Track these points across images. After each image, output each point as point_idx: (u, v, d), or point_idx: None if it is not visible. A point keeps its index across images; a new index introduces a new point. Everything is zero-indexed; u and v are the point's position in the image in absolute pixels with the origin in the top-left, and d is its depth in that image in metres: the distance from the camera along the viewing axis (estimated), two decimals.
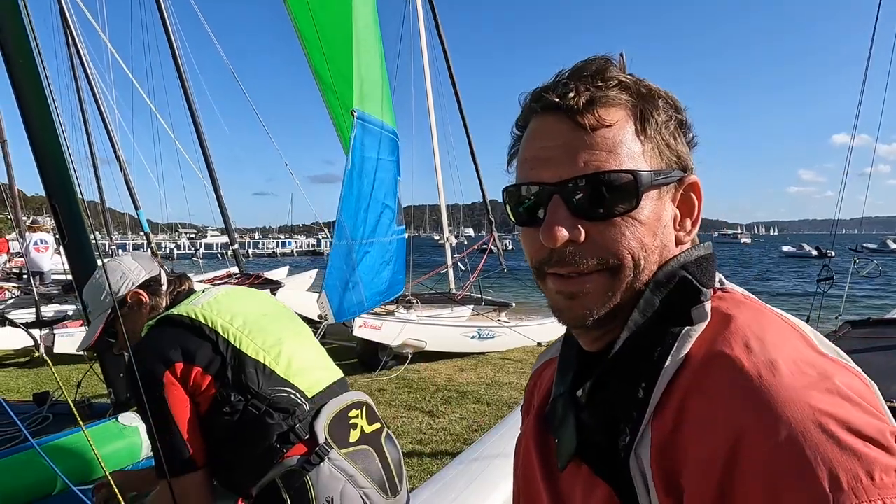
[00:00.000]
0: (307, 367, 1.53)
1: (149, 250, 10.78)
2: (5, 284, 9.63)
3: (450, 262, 11.35)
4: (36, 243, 10.03)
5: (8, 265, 12.65)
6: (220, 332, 1.44)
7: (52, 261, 10.13)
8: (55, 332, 7.14)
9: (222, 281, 10.22)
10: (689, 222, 0.66)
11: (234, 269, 11.86)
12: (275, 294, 8.01)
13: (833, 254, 6.96)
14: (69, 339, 6.96)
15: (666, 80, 0.65)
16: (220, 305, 1.51)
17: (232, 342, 1.43)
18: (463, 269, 11.50)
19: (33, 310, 7.22)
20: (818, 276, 6.03)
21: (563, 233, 0.59)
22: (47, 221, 11.58)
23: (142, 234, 11.56)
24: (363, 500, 1.40)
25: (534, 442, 0.74)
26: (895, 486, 0.43)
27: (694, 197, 0.66)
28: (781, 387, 0.49)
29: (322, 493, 1.36)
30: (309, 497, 1.35)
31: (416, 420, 5.46)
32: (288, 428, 1.40)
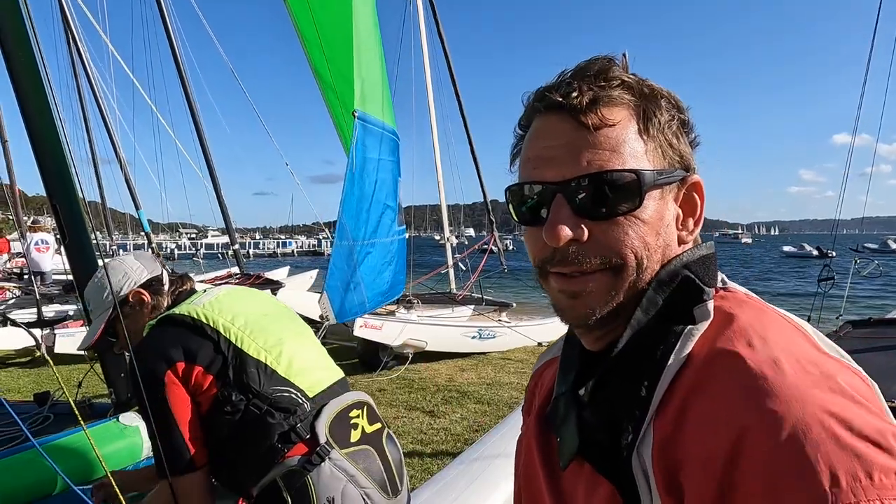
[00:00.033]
0: (308, 367, 1.53)
1: (150, 250, 10.78)
2: (6, 284, 9.63)
3: (450, 262, 11.35)
4: (37, 243, 10.05)
5: (8, 265, 12.65)
6: (222, 331, 1.44)
7: (53, 261, 10.14)
8: (56, 332, 7.15)
9: (223, 281, 10.22)
10: (691, 222, 0.66)
11: (235, 270, 11.85)
12: (275, 294, 8.00)
13: (834, 254, 6.96)
14: (70, 339, 6.96)
15: (666, 80, 0.65)
16: (222, 305, 1.51)
17: (233, 342, 1.43)
18: (464, 269, 11.50)
19: (34, 310, 7.22)
20: (819, 276, 6.02)
21: (566, 232, 0.59)
22: (48, 221, 11.59)
23: (142, 234, 11.55)
24: (364, 499, 1.40)
25: (536, 441, 0.74)
26: (893, 488, 0.43)
27: (696, 196, 0.66)
28: (784, 385, 0.49)
29: (323, 493, 1.36)
30: (310, 497, 1.35)
31: (417, 420, 5.46)
32: (289, 427, 1.40)
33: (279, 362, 1.46)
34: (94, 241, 2.42)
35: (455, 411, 5.72)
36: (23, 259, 12.65)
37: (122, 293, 1.56)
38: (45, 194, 2.29)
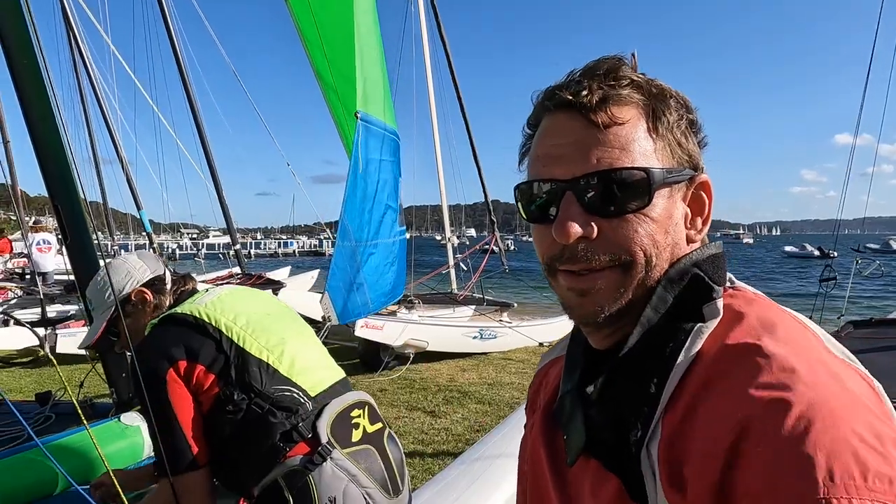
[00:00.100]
0: (310, 367, 1.53)
1: (151, 250, 10.79)
2: (8, 285, 9.64)
3: (451, 262, 11.35)
4: (39, 243, 10.06)
5: (10, 265, 12.67)
6: (224, 330, 1.44)
7: (55, 261, 10.15)
8: (57, 331, 7.16)
9: (224, 281, 10.23)
10: (699, 221, 0.66)
11: (236, 270, 11.85)
12: (277, 294, 8.01)
13: (836, 254, 6.95)
14: (71, 339, 6.97)
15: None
16: (224, 304, 1.51)
17: (235, 341, 1.43)
18: (465, 269, 11.50)
19: (36, 310, 7.23)
20: (820, 277, 6.02)
21: (575, 229, 0.59)
22: (50, 222, 11.61)
23: (144, 234, 11.55)
24: (365, 499, 1.40)
25: (542, 438, 0.75)
26: (885, 493, 0.44)
27: (704, 196, 0.66)
28: (791, 380, 0.50)
29: (325, 493, 1.36)
30: (311, 496, 1.35)
31: (418, 420, 5.46)
32: (291, 427, 1.40)
33: (281, 362, 1.46)
34: (96, 242, 2.42)
35: (456, 411, 5.72)
36: (24, 259, 12.67)
37: (124, 292, 1.56)
38: (46, 195, 2.29)
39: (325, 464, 1.38)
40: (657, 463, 0.54)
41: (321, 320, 4.53)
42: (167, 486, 1.36)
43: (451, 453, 4.50)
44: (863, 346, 3.06)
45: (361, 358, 7.87)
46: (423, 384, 6.82)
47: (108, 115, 11.29)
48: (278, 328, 1.55)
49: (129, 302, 1.57)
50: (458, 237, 14.00)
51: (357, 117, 4.40)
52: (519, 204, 0.67)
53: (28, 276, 10.86)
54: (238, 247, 11.73)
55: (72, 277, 2.55)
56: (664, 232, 0.62)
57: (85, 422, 1.59)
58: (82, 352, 2.44)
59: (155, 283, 1.61)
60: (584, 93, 0.60)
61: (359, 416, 1.54)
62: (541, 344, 8.69)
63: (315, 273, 15.37)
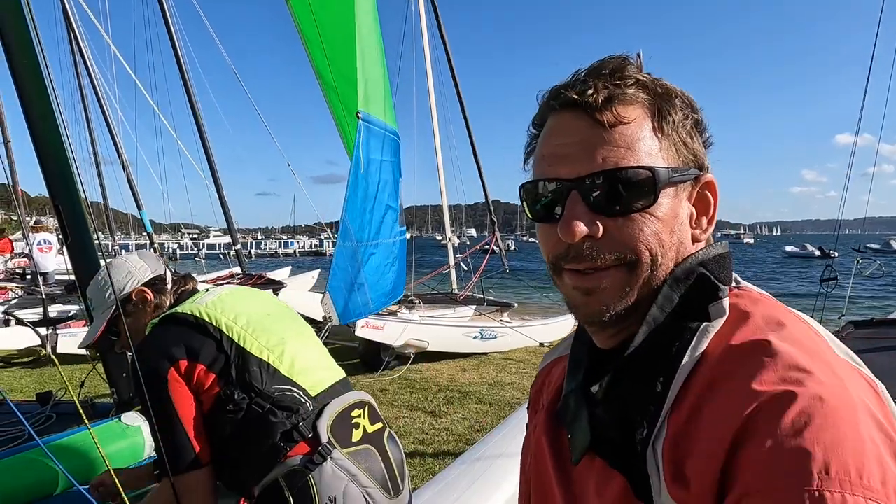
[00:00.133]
0: (310, 367, 1.53)
1: (152, 250, 10.80)
2: (8, 285, 9.64)
3: (452, 262, 11.35)
4: (39, 243, 10.06)
5: (10, 265, 12.68)
6: (224, 330, 1.44)
7: (56, 261, 10.16)
8: (58, 332, 7.16)
9: (225, 281, 10.23)
10: (704, 220, 0.66)
11: (237, 270, 11.86)
12: (277, 294, 8.01)
13: (836, 254, 6.94)
14: (72, 340, 6.97)
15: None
16: (224, 304, 1.52)
17: (236, 340, 1.43)
18: (465, 269, 11.50)
19: (36, 310, 7.23)
20: (821, 277, 6.01)
21: (581, 228, 0.59)
22: (51, 222, 11.61)
23: (145, 234, 11.56)
24: (366, 499, 1.40)
25: (546, 437, 0.75)
26: (878, 493, 0.44)
27: (710, 195, 0.66)
28: (796, 378, 0.50)
29: (325, 493, 1.36)
30: (312, 496, 1.35)
31: (419, 420, 5.46)
32: (291, 426, 1.40)
33: (281, 361, 1.47)
34: (97, 242, 2.42)
35: (456, 411, 5.72)
36: (25, 259, 12.67)
37: (125, 291, 1.57)
38: (47, 194, 2.29)
39: (325, 464, 1.38)
40: (662, 461, 0.54)
41: (322, 320, 4.53)
42: (169, 486, 1.36)
43: (451, 453, 4.50)
44: (864, 346, 3.05)
45: (362, 358, 7.87)
46: (423, 384, 6.82)
47: (108, 115, 11.30)
48: (278, 328, 1.55)
49: (129, 301, 1.57)
50: (458, 237, 14.00)
51: (358, 117, 4.40)
52: (524, 203, 0.67)
53: (29, 276, 10.86)
54: (238, 247, 11.73)
55: (72, 277, 2.55)
56: (670, 231, 0.62)
57: (86, 421, 1.59)
58: (83, 352, 2.44)
59: (156, 283, 1.61)
60: (590, 92, 0.60)
61: (359, 415, 1.54)
62: (541, 344, 8.69)
63: (315, 273, 15.37)
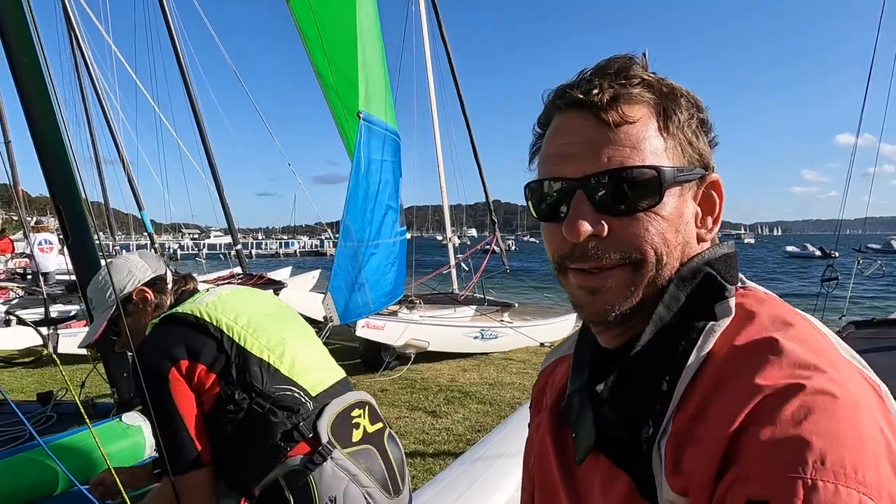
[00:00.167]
0: (311, 367, 1.53)
1: (153, 251, 10.80)
2: (9, 285, 9.65)
3: (452, 262, 11.35)
4: (40, 243, 10.07)
5: (10, 264, 12.68)
6: (225, 330, 1.44)
7: (57, 261, 10.16)
8: (59, 331, 7.16)
9: (225, 281, 10.23)
10: (710, 220, 0.66)
11: (238, 270, 11.86)
12: (278, 294, 8.01)
13: (837, 254, 6.94)
14: (73, 340, 6.98)
15: None
16: (225, 304, 1.52)
17: (236, 340, 1.44)
18: (466, 269, 11.49)
19: (37, 310, 7.23)
20: (822, 277, 6.01)
21: (586, 227, 0.59)
22: (51, 222, 11.62)
23: (145, 234, 11.55)
24: (366, 499, 1.40)
25: (550, 436, 0.75)
26: (870, 489, 0.44)
27: (715, 195, 0.66)
28: (801, 375, 0.50)
29: (325, 493, 1.36)
30: (312, 496, 1.35)
31: (419, 420, 5.46)
32: (292, 426, 1.40)
33: (282, 361, 1.47)
34: (97, 242, 2.42)
35: (457, 411, 5.72)
36: (26, 259, 12.67)
37: (125, 291, 1.57)
38: (48, 195, 2.29)
39: (325, 463, 1.38)
40: (665, 458, 0.54)
41: (322, 320, 4.53)
42: (169, 485, 1.36)
43: (451, 453, 4.50)
44: (864, 346, 3.05)
45: (363, 358, 7.88)
46: (424, 384, 6.82)
47: (109, 115, 11.30)
48: (279, 328, 1.55)
49: (130, 301, 1.57)
50: (459, 237, 14.00)
51: (359, 117, 4.40)
52: (529, 202, 0.67)
53: (30, 276, 10.86)
54: (239, 247, 11.74)
55: (73, 277, 2.55)
56: (675, 231, 0.62)
57: (87, 421, 1.59)
58: (84, 352, 2.44)
59: (156, 283, 1.61)
60: (595, 91, 0.60)
61: (359, 415, 1.54)
62: (542, 344, 8.69)
63: (316, 273, 15.38)
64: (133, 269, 1.60)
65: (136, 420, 2.22)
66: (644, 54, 0.65)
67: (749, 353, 0.54)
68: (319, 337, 1.75)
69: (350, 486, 1.39)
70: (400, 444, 1.63)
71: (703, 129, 0.65)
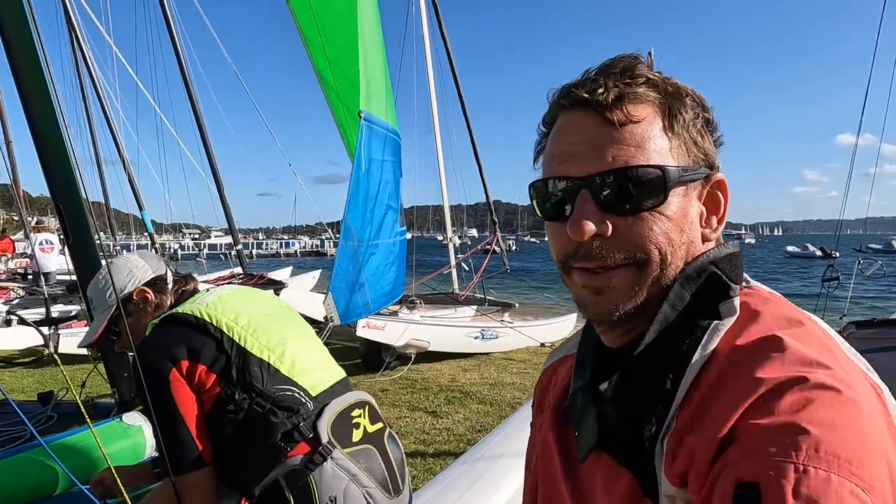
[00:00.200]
0: (311, 367, 1.53)
1: (153, 251, 10.80)
2: (10, 285, 9.66)
3: (453, 262, 11.35)
4: (41, 244, 10.08)
5: (10, 264, 12.69)
6: (225, 330, 1.44)
7: (58, 261, 10.17)
8: (60, 332, 7.16)
9: (226, 281, 10.23)
10: (715, 220, 0.66)
11: (238, 270, 11.86)
12: (278, 294, 8.01)
13: (838, 254, 6.93)
14: (74, 340, 6.98)
15: None
16: (225, 304, 1.52)
17: (237, 340, 1.44)
18: (466, 269, 11.50)
19: (38, 310, 7.24)
20: (823, 277, 6.00)
21: (590, 226, 0.59)
22: (52, 222, 11.62)
23: (146, 234, 11.55)
24: (366, 499, 1.40)
25: (552, 435, 0.75)
26: (862, 480, 0.44)
27: (720, 195, 0.66)
28: (804, 370, 0.50)
29: (325, 493, 1.36)
30: (312, 496, 1.35)
31: (420, 420, 5.46)
32: (292, 427, 1.40)
33: (282, 361, 1.47)
34: (98, 242, 2.43)
35: (458, 411, 5.72)
36: (26, 259, 12.68)
37: (125, 291, 1.56)
38: (48, 195, 2.29)
39: (325, 463, 1.38)
40: (665, 454, 0.54)
41: (323, 320, 4.54)
42: (170, 485, 1.36)
43: (452, 453, 4.50)
44: (865, 346, 3.05)
45: (363, 358, 7.88)
46: (424, 384, 6.82)
47: (109, 116, 11.30)
48: (279, 328, 1.55)
49: (130, 301, 1.57)
50: (459, 237, 14.00)
51: (360, 117, 4.40)
52: (534, 201, 0.67)
53: (31, 277, 10.87)
54: (240, 247, 11.74)
55: (74, 277, 2.56)
56: (679, 230, 0.62)
57: (88, 421, 1.59)
58: (84, 352, 2.44)
59: (156, 283, 1.61)
60: (600, 91, 0.60)
61: (359, 415, 1.54)
62: (542, 344, 8.69)
63: (317, 273, 15.38)
64: (133, 268, 1.60)
65: (136, 420, 2.22)
66: (650, 53, 0.65)
67: (752, 351, 0.54)
68: (320, 337, 1.75)
69: (350, 486, 1.39)
70: (400, 444, 1.63)
71: (708, 128, 0.65)
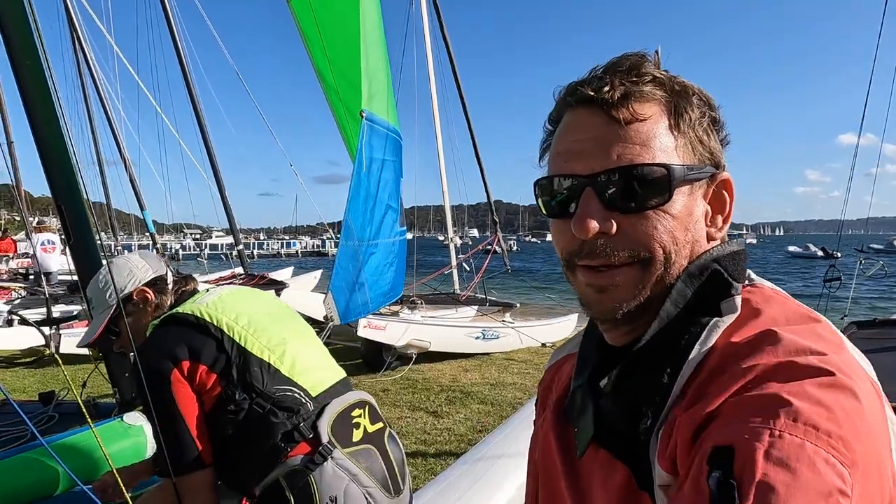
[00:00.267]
0: (311, 367, 1.53)
1: (154, 251, 10.80)
2: (12, 285, 9.67)
3: (454, 262, 11.34)
4: (43, 244, 10.09)
5: (11, 264, 12.70)
6: (226, 330, 1.44)
7: (59, 261, 10.18)
8: (61, 332, 7.17)
9: (227, 281, 10.24)
10: (720, 219, 0.66)
11: (239, 270, 11.87)
12: (279, 294, 8.02)
13: (839, 254, 6.92)
14: (75, 340, 6.98)
15: None
16: (225, 304, 1.52)
17: (237, 341, 1.44)
18: (467, 269, 11.49)
19: (39, 310, 7.24)
20: (825, 277, 5.99)
21: (594, 224, 0.59)
22: (54, 222, 11.63)
23: (147, 234, 11.58)
24: (366, 499, 1.40)
25: (554, 433, 0.75)
26: (838, 452, 0.44)
27: (726, 194, 0.66)
28: (799, 356, 0.50)
29: (325, 493, 1.36)
30: (312, 496, 1.35)
31: (421, 420, 5.46)
32: (292, 427, 1.40)
33: (282, 362, 1.47)
34: (99, 242, 2.43)
35: (459, 412, 5.72)
36: (28, 259, 12.70)
37: (126, 290, 1.57)
38: (50, 195, 2.30)
39: (325, 463, 1.38)
40: (659, 445, 0.55)
41: (323, 320, 4.54)
42: (170, 485, 1.36)
43: (453, 453, 4.50)
44: (866, 346, 3.05)
45: (364, 358, 7.87)
46: (425, 384, 6.82)
47: (111, 116, 11.33)
48: (279, 328, 1.55)
49: (130, 301, 1.57)
50: (460, 237, 14.00)
51: (362, 116, 4.40)
52: (539, 199, 0.67)
53: (32, 277, 10.89)
54: (241, 247, 11.74)
55: (75, 278, 2.56)
56: (684, 229, 0.62)
57: (89, 421, 1.59)
58: (86, 352, 2.44)
59: (157, 283, 1.61)
60: (606, 89, 0.60)
61: (359, 415, 1.54)
62: (543, 344, 8.68)
63: (318, 273, 15.38)
64: (134, 269, 1.60)
65: (137, 420, 2.22)
66: (657, 52, 0.65)
67: (748, 345, 0.54)
68: (320, 337, 1.75)
69: (350, 486, 1.39)
70: (400, 444, 1.63)
71: (714, 127, 0.65)
